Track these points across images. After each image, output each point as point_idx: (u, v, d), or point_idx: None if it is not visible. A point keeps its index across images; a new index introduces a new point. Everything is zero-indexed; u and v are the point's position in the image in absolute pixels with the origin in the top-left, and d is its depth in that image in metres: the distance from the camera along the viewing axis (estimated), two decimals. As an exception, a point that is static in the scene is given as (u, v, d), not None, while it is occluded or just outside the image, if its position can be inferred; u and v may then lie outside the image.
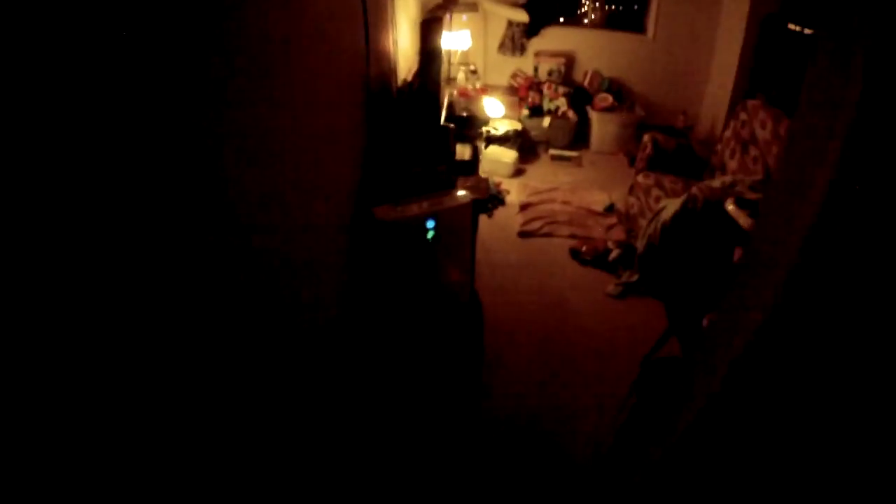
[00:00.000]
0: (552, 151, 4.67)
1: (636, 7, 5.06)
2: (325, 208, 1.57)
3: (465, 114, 3.77)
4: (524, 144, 4.60)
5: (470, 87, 4.30)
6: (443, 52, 3.51)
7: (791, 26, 4.03)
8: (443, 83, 3.64)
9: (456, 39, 4.06)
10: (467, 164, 3.04)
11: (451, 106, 3.66)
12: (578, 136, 4.84)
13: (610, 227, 3.75)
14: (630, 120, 4.73)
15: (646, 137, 3.71)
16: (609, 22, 5.14)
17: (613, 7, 5.17)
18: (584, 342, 2.77)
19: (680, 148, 3.71)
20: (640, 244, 3.18)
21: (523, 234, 3.61)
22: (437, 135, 2.64)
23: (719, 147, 3.59)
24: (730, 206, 2.55)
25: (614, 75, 5.00)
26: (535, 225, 3.68)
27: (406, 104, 2.67)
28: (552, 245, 3.55)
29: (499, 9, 4.62)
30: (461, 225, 2.29)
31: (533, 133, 4.67)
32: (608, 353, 2.70)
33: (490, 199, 3.88)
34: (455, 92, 3.94)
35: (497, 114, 4.21)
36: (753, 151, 3.25)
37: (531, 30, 4.72)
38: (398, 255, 2.17)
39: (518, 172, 4.36)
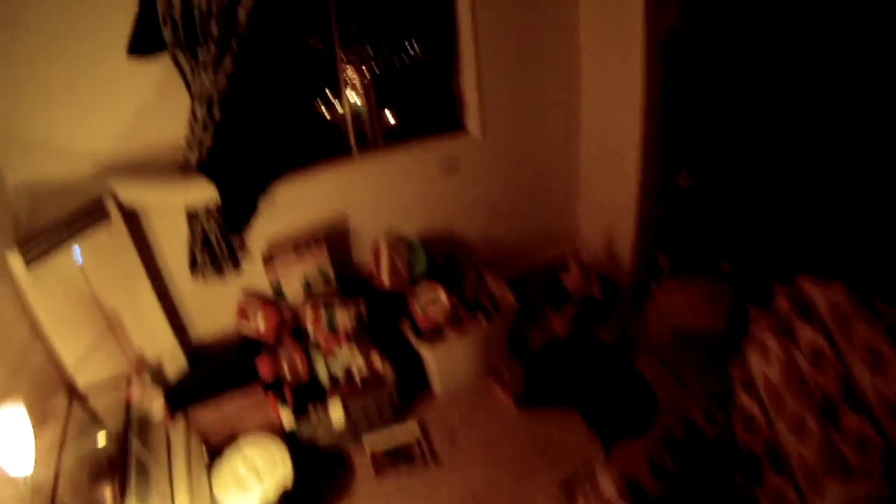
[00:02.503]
0: (372, 451, 2.23)
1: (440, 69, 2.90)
2: None
3: None
4: (314, 461, 2.13)
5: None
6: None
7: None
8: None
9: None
10: None
11: None
12: (407, 383, 2.42)
13: None
14: (495, 329, 2.46)
15: None
16: (393, 133, 2.90)
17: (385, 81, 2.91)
18: None
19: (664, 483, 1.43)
20: None
21: None
22: None
23: (744, 401, 1.46)
24: None
25: (428, 226, 2.81)
26: None
27: None
28: None
29: (159, 194, 2.18)
30: None
31: (323, 440, 2.22)
32: None
33: None
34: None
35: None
36: (850, 419, 1.18)
37: (231, 218, 2.32)
38: None
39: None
